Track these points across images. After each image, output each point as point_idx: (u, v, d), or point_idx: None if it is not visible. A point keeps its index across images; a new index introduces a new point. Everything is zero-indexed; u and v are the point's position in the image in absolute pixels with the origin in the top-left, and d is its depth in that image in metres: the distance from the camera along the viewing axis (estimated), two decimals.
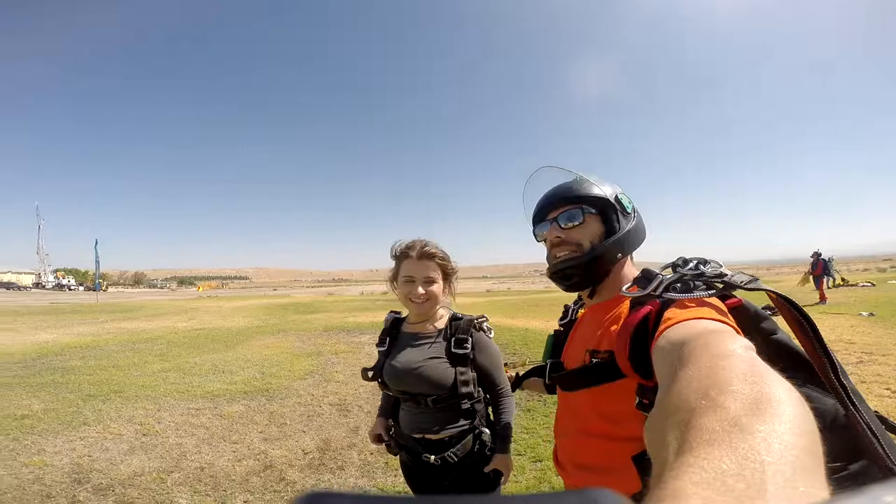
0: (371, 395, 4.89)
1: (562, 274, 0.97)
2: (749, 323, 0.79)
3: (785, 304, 0.72)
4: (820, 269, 13.54)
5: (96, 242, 28.38)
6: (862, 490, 0.17)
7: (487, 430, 1.52)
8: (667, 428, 0.36)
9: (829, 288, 15.10)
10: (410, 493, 1.62)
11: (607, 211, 0.96)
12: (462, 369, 1.46)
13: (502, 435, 1.49)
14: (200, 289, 55.01)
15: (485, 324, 1.55)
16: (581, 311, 1.11)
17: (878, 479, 0.60)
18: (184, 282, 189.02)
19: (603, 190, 0.97)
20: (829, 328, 7.82)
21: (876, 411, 0.69)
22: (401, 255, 1.53)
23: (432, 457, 1.46)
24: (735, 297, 0.80)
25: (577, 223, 0.95)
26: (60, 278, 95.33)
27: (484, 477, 1.47)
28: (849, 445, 0.63)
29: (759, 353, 0.68)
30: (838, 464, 0.62)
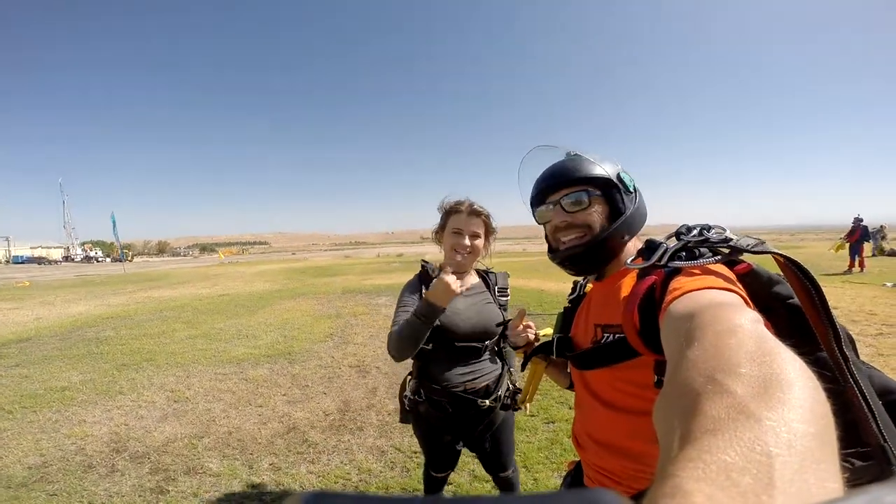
0: (388, 357, 5.01)
1: (570, 260, 0.94)
2: (762, 289, 0.74)
3: (791, 269, 0.67)
4: (857, 236, 12.46)
5: (112, 215, 28.90)
6: (862, 490, 0.16)
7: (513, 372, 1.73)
8: (673, 414, 0.34)
9: (871, 256, 14.40)
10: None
11: (611, 191, 0.92)
12: (505, 314, 1.64)
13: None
14: (222, 255, 56.43)
15: (508, 279, 1.78)
16: (589, 286, 1.07)
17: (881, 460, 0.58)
18: (205, 249, 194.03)
19: (605, 169, 0.92)
20: (851, 298, 7.39)
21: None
22: (451, 210, 1.61)
23: (487, 401, 1.57)
24: (744, 262, 0.76)
25: (583, 206, 0.91)
26: (88, 251, 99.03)
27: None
28: (852, 424, 0.60)
29: (777, 322, 0.69)
30: (859, 448, 0.59)
